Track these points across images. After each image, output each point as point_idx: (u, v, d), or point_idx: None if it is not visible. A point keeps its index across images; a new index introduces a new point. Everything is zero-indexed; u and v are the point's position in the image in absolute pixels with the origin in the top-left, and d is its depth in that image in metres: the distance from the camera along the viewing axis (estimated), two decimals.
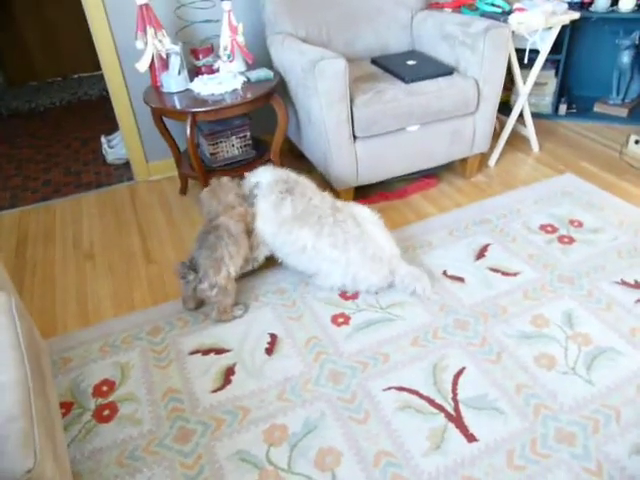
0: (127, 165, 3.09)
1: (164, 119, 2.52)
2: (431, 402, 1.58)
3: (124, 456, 1.48)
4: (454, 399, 1.58)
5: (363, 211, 2.07)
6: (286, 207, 1.96)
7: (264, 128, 2.86)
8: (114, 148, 3.17)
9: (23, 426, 0.94)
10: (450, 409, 1.55)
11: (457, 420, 1.52)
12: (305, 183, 2.06)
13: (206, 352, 1.80)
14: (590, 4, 3.01)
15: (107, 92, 4.35)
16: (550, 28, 2.60)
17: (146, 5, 2.25)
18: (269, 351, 1.79)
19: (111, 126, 3.67)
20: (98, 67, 4.87)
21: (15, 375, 1.03)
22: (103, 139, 3.21)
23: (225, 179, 2.04)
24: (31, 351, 1.16)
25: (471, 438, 1.47)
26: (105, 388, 1.70)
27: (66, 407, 1.64)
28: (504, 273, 2.06)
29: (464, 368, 1.68)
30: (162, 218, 2.61)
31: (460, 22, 2.44)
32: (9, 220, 2.72)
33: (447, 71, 2.40)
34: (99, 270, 2.28)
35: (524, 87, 2.74)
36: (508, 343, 1.75)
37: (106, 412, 1.62)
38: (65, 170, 3.21)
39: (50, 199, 2.88)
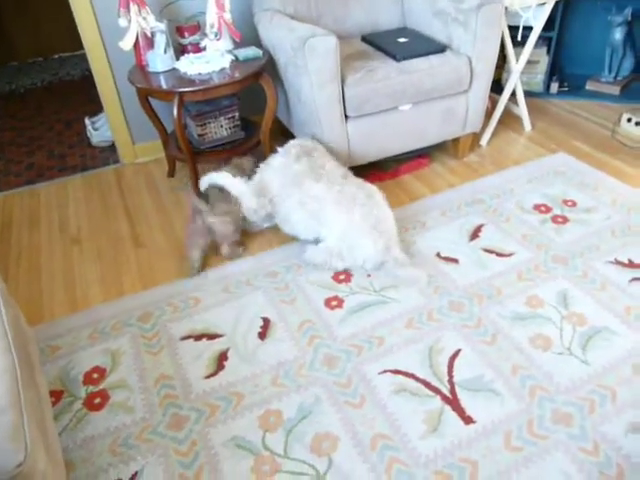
0: (112, 147, 3.01)
1: (150, 100, 2.45)
2: (427, 385, 1.56)
3: (117, 444, 1.46)
4: (450, 381, 1.57)
5: (371, 187, 2.06)
6: (301, 163, 2.01)
7: (253, 108, 2.80)
8: (99, 130, 3.09)
9: (12, 418, 0.90)
10: (446, 391, 1.54)
11: (453, 402, 1.51)
12: (322, 150, 2.12)
13: (198, 337, 1.77)
14: None
15: (90, 72, 4.26)
16: (543, 4, 2.55)
17: None
18: (262, 335, 1.76)
19: (95, 107, 3.57)
20: (80, 46, 4.74)
21: (2, 364, 0.99)
22: (87, 121, 3.13)
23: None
24: (18, 339, 1.12)
25: (468, 420, 1.46)
26: (96, 376, 1.67)
27: (56, 396, 1.61)
28: (498, 254, 2.05)
29: (459, 350, 1.67)
30: (150, 201, 2.55)
31: None
32: None
33: (439, 48, 2.35)
34: (86, 255, 2.23)
35: (517, 65, 2.70)
36: (503, 324, 1.74)
37: (97, 400, 1.59)
38: (49, 153, 3.13)
39: (34, 183, 2.81)
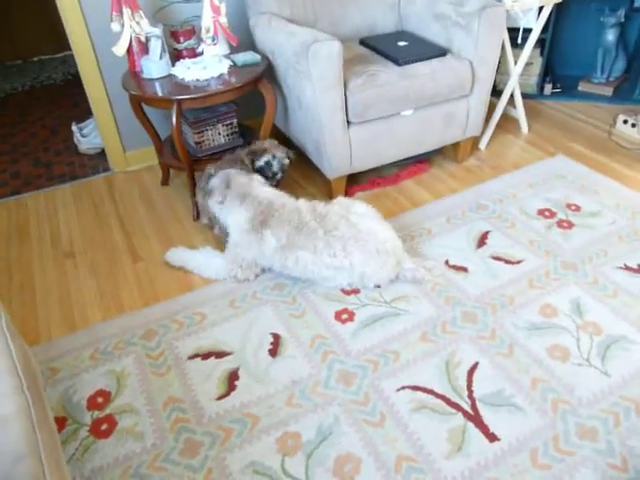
0: (102, 155, 2.91)
1: (143, 106, 2.36)
2: (447, 401, 1.52)
3: (128, 474, 1.39)
4: (470, 397, 1.53)
5: (355, 206, 1.98)
6: (269, 241, 1.87)
7: (249, 113, 2.73)
8: (87, 137, 2.98)
9: (32, 466, 0.83)
10: (467, 407, 1.50)
11: (476, 419, 1.47)
12: (278, 201, 1.93)
13: (206, 356, 1.71)
14: None
15: (72, 75, 4.15)
16: (542, 6, 2.53)
17: None
18: (273, 352, 1.70)
19: (80, 112, 3.48)
20: (59, 49, 4.65)
21: (16, 406, 0.92)
22: (74, 127, 3.02)
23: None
24: (29, 375, 1.04)
25: (492, 438, 1.42)
26: (100, 400, 1.59)
27: (60, 423, 1.53)
28: (507, 261, 2.02)
29: (477, 363, 1.63)
30: (144, 211, 2.47)
31: (452, 1, 2.34)
32: None
33: (440, 52, 2.32)
34: (81, 270, 2.14)
35: (516, 67, 2.68)
36: (519, 335, 1.71)
37: (104, 426, 1.51)
38: (34, 161, 3.02)
39: (20, 193, 2.70)
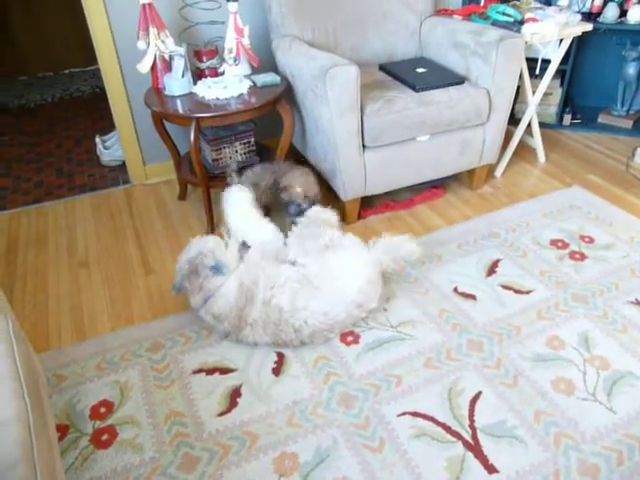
0: (122, 167, 2.98)
1: (164, 122, 2.42)
2: (448, 429, 1.51)
3: None
4: (471, 426, 1.52)
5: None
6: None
7: (267, 132, 2.78)
8: (109, 149, 3.06)
9: (24, 474, 0.85)
10: (468, 437, 1.49)
11: (476, 449, 1.45)
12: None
13: (210, 371, 1.72)
14: (598, 15, 2.97)
15: (100, 89, 4.27)
16: (562, 39, 2.55)
17: (149, 4, 2.15)
18: (276, 371, 1.71)
19: (104, 125, 3.57)
20: (90, 62, 4.79)
21: (15, 411, 0.94)
22: (98, 139, 3.10)
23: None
24: (30, 381, 1.07)
25: (491, 469, 1.40)
26: (103, 410, 1.61)
27: (62, 430, 1.55)
28: (516, 291, 2.00)
29: (480, 392, 1.61)
30: (160, 225, 2.51)
31: (472, 31, 2.37)
32: None
33: (458, 80, 2.34)
34: (94, 279, 2.18)
35: (533, 97, 2.69)
36: (524, 366, 1.70)
37: (105, 437, 1.53)
38: (57, 171, 3.10)
39: (42, 201, 2.77)
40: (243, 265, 1.83)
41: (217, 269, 1.77)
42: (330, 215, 2.05)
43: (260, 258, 1.88)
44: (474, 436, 1.49)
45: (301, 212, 2.10)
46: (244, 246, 1.98)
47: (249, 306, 1.74)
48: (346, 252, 1.87)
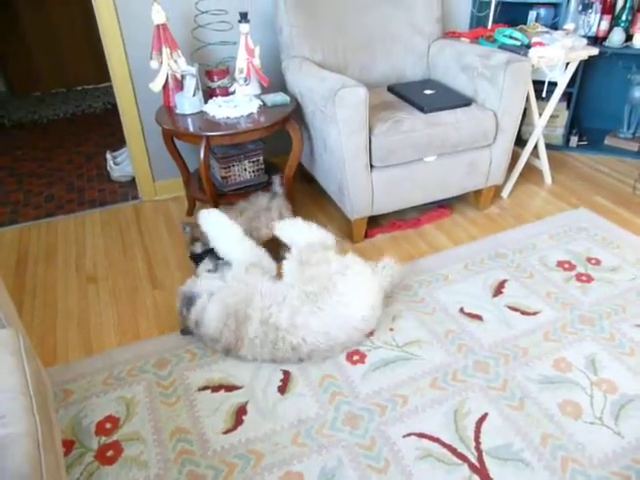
0: (132, 183, 3.02)
1: (175, 139, 2.46)
2: (453, 451, 1.50)
3: None
4: (477, 448, 1.51)
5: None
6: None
7: (275, 150, 2.81)
8: (120, 165, 3.10)
9: None
10: (474, 459, 1.48)
11: (482, 472, 1.44)
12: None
13: (216, 389, 1.72)
14: (604, 39, 3.00)
15: (112, 105, 4.33)
16: (568, 62, 2.57)
17: (163, 25, 2.20)
18: (282, 389, 1.71)
19: (115, 141, 3.62)
20: (102, 79, 4.88)
21: (24, 426, 0.95)
22: (108, 155, 3.14)
23: None
24: (39, 396, 1.08)
25: None
26: (109, 425, 1.61)
27: (67, 446, 1.55)
28: (523, 312, 2.00)
29: (486, 414, 1.61)
30: (168, 241, 2.53)
31: (480, 54, 2.41)
32: (9, 237, 2.64)
33: (465, 102, 2.37)
34: (102, 294, 2.20)
35: (540, 120, 2.71)
36: (531, 388, 1.69)
37: (110, 453, 1.53)
38: (68, 186, 3.13)
39: (53, 216, 2.80)
40: (225, 286, 1.85)
41: (189, 297, 1.85)
42: (327, 237, 2.04)
43: (245, 276, 1.88)
44: (480, 459, 1.48)
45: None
46: (219, 264, 2.01)
47: (243, 326, 1.75)
48: (355, 279, 1.86)
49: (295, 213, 2.28)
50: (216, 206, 2.31)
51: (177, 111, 2.30)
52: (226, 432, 1.57)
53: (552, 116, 3.20)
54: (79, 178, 3.22)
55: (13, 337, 1.14)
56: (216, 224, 2.02)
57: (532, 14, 3.12)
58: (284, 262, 1.93)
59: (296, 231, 2.03)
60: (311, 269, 1.86)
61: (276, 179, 2.32)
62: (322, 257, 1.90)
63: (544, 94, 2.61)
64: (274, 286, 1.85)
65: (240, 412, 1.63)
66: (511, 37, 2.58)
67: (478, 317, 1.99)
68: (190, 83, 2.24)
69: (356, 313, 1.81)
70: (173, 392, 1.71)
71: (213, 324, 1.77)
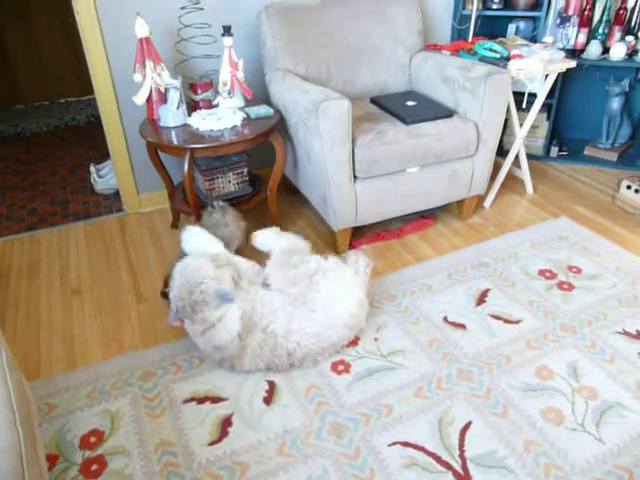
0: (116, 195, 3.01)
1: (159, 152, 2.46)
2: (438, 459, 1.51)
3: None
4: (461, 456, 1.52)
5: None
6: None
7: (260, 162, 2.83)
8: (103, 177, 3.09)
9: None
10: (458, 467, 1.49)
11: (466, 479, 1.46)
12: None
13: (201, 400, 1.72)
14: (582, 51, 3.07)
15: (95, 118, 4.32)
16: (547, 74, 2.63)
17: (147, 38, 2.21)
18: (267, 400, 1.71)
19: (98, 154, 3.61)
20: (85, 92, 4.87)
21: (7, 441, 0.95)
22: (92, 168, 3.13)
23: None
24: (23, 410, 1.07)
25: None
26: (93, 439, 1.60)
27: (51, 460, 1.54)
28: (506, 320, 2.03)
29: (470, 422, 1.62)
30: (153, 253, 2.53)
31: (460, 66, 2.45)
32: None
33: (447, 113, 2.40)
34: (87, 307, 2.19)
35: (521, 130, 2.76)
36: (514, 395, 1.71)
37: (94, 467, 1.52)
38: (52, 199, 3.12)
39: (35, 229, 2.79)
40: (240, 292, 1.84)
41: (223, 297, 1.74)
42: (301, 241, 2.07)
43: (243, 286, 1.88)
44: (464, 466, 1.49)
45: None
46: None
47: (250, 334, 1.76)
48: (336, 276, 1.91)
49: (279, 224, 2.30)
50: (200, 218, 2.31)
51: (161, 124, 2.31)
52: (211, 444, 1.57)
53: (533, 127, 3.27)
54: (62, 191, 3.21)
55: None
56: (198, 242, 2.02)
57: (512, 27, 3.19)
58: (265, 269, 1.96)
59: (271, 239, 2.07)
60: (292, 271, 1.90)
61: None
62: (299, 259, 1.94)
63: (524, 105, 2.66)
64: (267, 294, 1.86)
65: (225, 424, 1.63)
66: (491, 50, 2.63)
67: (462, 326, 2.01)
68: (174, 96, 2.25)
69: (344, 310, 1.84)
70: (158, 404, 1.71)
71: (228, 332, 1.73)
